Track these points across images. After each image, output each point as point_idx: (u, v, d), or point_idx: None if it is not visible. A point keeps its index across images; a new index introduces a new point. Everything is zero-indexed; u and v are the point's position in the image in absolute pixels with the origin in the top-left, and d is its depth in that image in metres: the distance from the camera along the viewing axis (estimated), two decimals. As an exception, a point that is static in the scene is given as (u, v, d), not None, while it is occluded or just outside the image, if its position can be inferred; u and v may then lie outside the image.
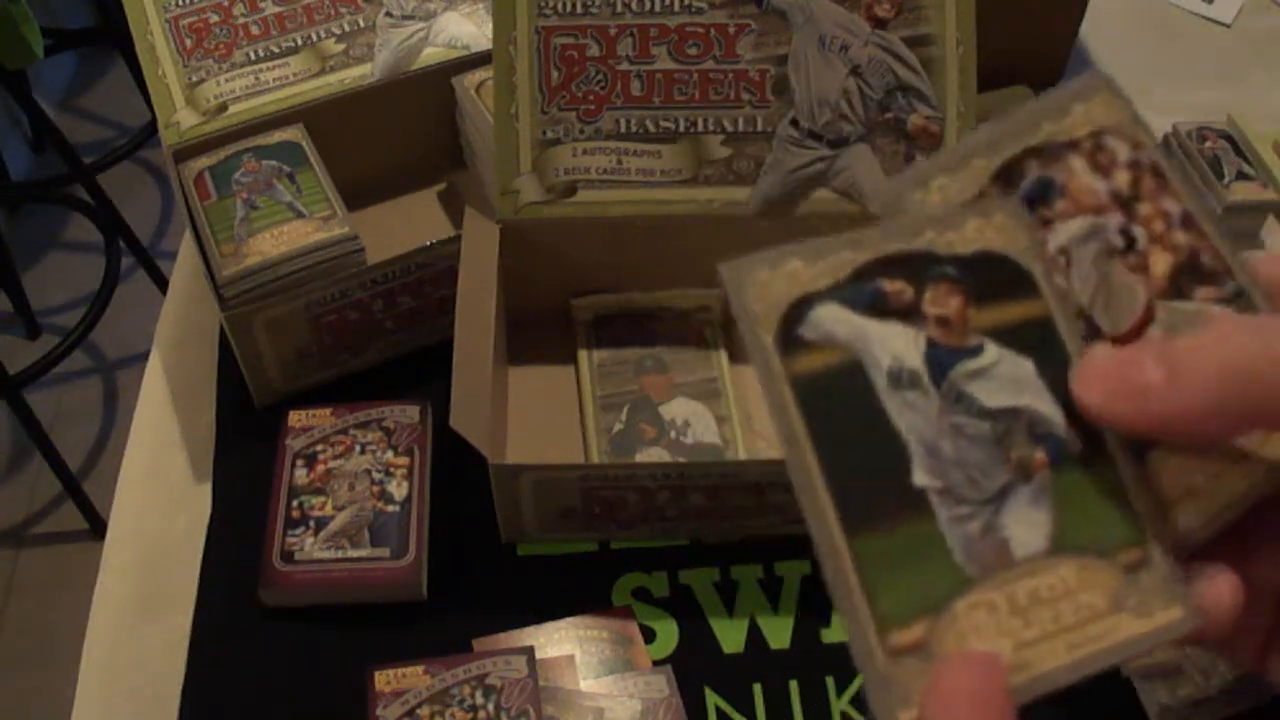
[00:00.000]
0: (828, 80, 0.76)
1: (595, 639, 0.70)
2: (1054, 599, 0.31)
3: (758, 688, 0.69)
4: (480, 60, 0.86)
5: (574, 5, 0.76)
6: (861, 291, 0.33)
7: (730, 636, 0.71)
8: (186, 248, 0.94)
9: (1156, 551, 0.31)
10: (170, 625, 0.73)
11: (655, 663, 0.70)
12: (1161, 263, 0.34)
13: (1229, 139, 0.94)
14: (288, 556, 0.72)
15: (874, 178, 0.77)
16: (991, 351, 0.33)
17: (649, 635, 0.71)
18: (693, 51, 0.76)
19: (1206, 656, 0.60)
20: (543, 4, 0.76)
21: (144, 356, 0.88)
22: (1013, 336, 0.33)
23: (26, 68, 1.66)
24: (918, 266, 0.33)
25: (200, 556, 0.75)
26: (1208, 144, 0.94)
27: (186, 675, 0.70)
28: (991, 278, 0.33)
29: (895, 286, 0.33)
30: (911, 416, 0.32)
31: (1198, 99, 1.01)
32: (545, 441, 0.78)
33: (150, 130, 2.05)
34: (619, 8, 0.76)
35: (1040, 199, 0.35)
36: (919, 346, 0.33)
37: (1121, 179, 0.35)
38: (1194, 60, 1.08)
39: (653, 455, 0.74)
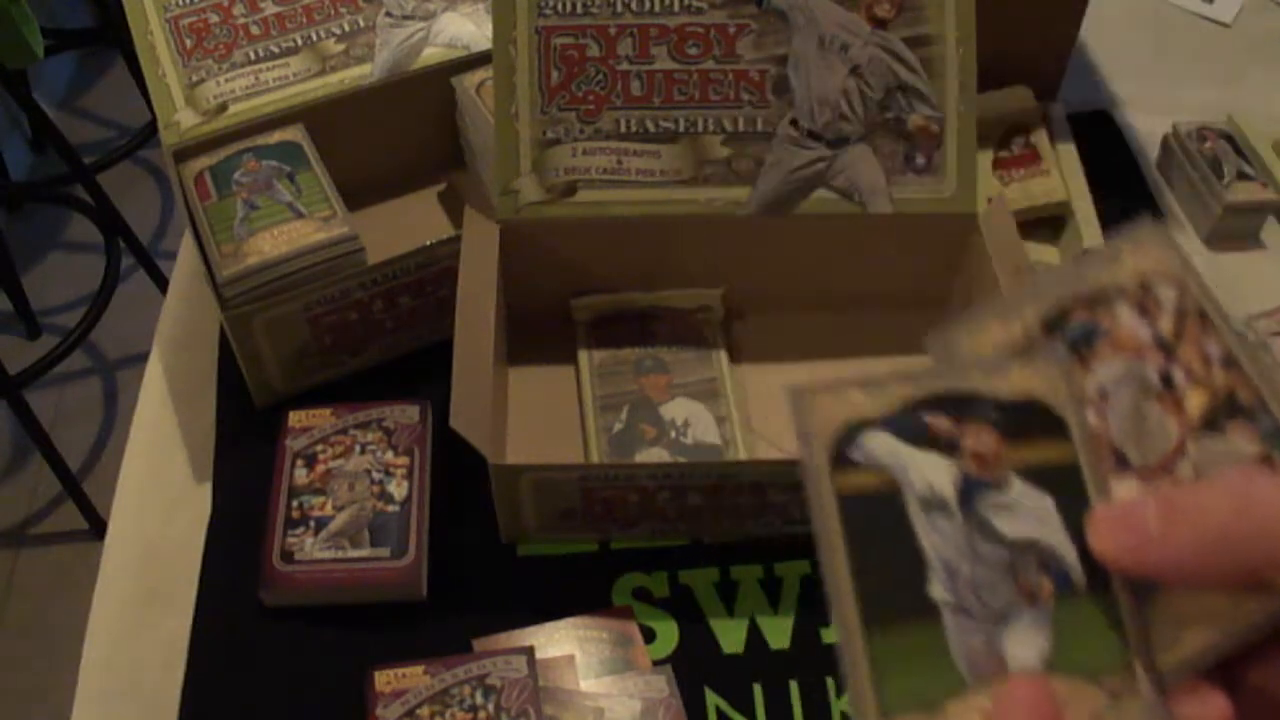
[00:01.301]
0: (828, 80, 0.76)
1: (595, 639, 0.70)
2: None
3: (758, 688, 0.69)
4: (480, 60, 0.86)
5: (574, 5, 0.76)
6: (908, 423, 0.37)
7: (730, 637, 0.71)
8: (186, 248, 0.94)
9: (1144, 681, 0.35)
10: (170, 625, 0.73)
11: (655, 663, 0.69)
12: (1197, 401, 0.37)
13: (1229, 139, 0.94)
14: (288, 556, 0.72)
15: (874, 178, 0.77)
16: (1017, 487, 0.37)
17: (649, 635, 0.71)
18: (693, 51, 0.76)
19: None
20: (543, 4, 0.76)
21: (144, 356, 0.88)
22: (1039, 476, 0.37)
23: (26, 68, 1.66)
24: (962, 406, 0.38)
25: (200, 556, 0.75)
26: (1208, 144, 0.94)
27: (186, 675, 0.70)
28: (1027, 421, 0.37)
29: (939, 422, 0.37)
30: (937, 537, 0.36)
31: (1198, 99, 1.01)
32: (545, 441, 0.78)
33: (150, 130, 2.05)
34: (619, 8, 0.76)
35: (1084, 342, 0.38)
36: (953, 477, 0.37)
37: (1165, 324, 0.38)
38: (1194, 60, 1.08)
39: (653, 455, 0.74)
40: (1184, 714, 0.34)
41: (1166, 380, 0.37)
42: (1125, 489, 0.36)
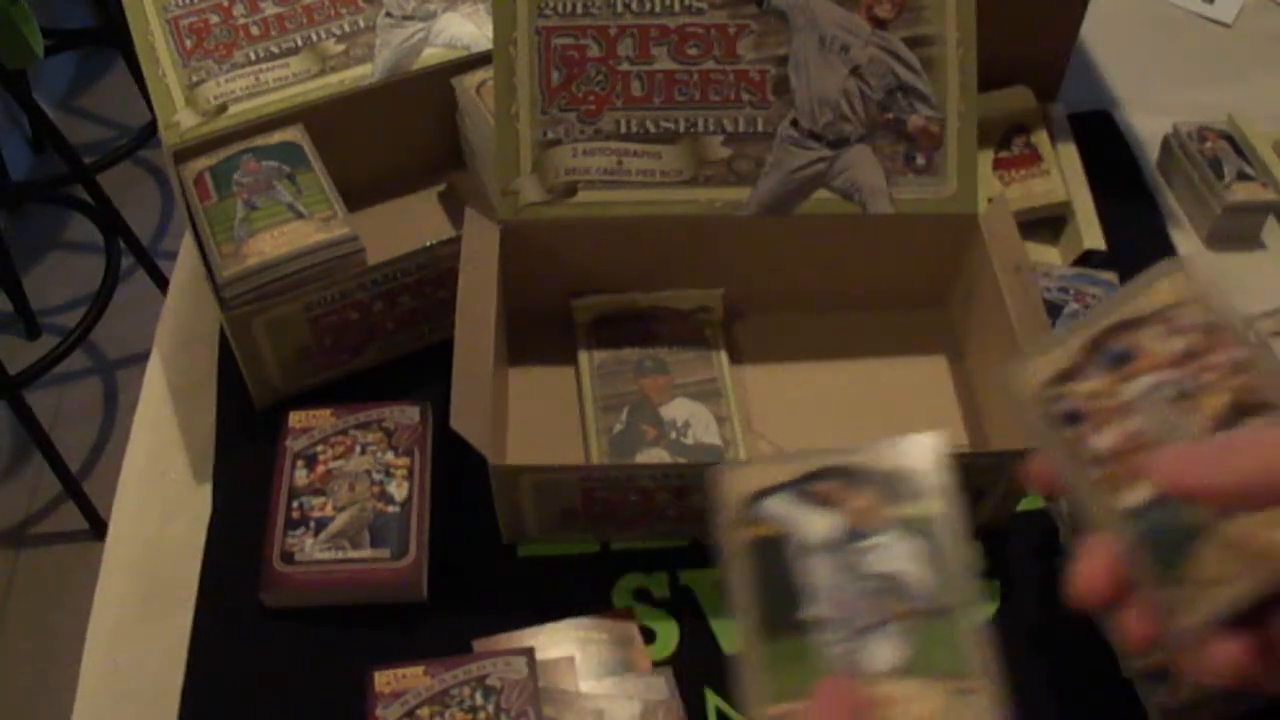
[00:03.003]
0: (828, 81, 0.76)
1: (595, 640, 0.70)
2: (890, 702, 0.44)
3: (758, 688, 0.69)
4: (480, 60, 0.86)
5: (574, 5, 0.76)
6: (800, 489, 0.50)
7: (731, 637, 0.71)
8: (186, 248, 0.94)
9: (986, 684, 0.43)
10: (170, 625, 0.73)
11: (656, 664, 0.69)
12: (1218, 402, 0.43)
13: (1229, 139, 0.94)
14: (288, 557, 0.71)
15: (874, 178, 0.77)
16: (888, 534, 0.48)
17: (649, 636, 0.71)
18: (693, 52, 0.76)
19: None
20: (543, 4, 0.76)
21: (144, 356, 0.88)
22: (909, 526, 0.48)
23: (26, 68, 1.66)
24: (846, 475, 0.50)
25: (200, 556, 0.75)
26: (1208, 144, 0.94)
27: (186, 675, 0.70)
28: (899, 486, 0.49)
29: (825, 487, 0.49)
30: (816, 571, 0.48)
31: (1198, 99, 1.01)
32: (545, 442, 0.78)
33: (150, 130, 2.05)
34: (619, 8, 0.76)
35: (1122, 359, 0.46)
36: (833, 527, 0.49)
37: (1190, 339, 0.45)
38: (1194, 60, 1.08)
39: (653, 456, 0.74)
40: (1203, 663, 0.40)
41: (1190, 387, 0.44)
42: None
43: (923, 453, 0.50)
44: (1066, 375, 0.46)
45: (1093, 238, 0.87)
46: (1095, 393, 0.45)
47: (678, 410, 0.77)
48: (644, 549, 0.75)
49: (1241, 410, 0.43)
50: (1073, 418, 0.45)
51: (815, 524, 0.49)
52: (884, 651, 0.45)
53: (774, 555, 0.48)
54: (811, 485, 0.49)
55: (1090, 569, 0.42)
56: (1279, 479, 0.38)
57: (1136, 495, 0.42)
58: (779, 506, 0.49)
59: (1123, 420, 0.44)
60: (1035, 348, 0.47)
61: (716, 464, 0.50)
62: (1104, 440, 0.44)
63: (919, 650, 0.45)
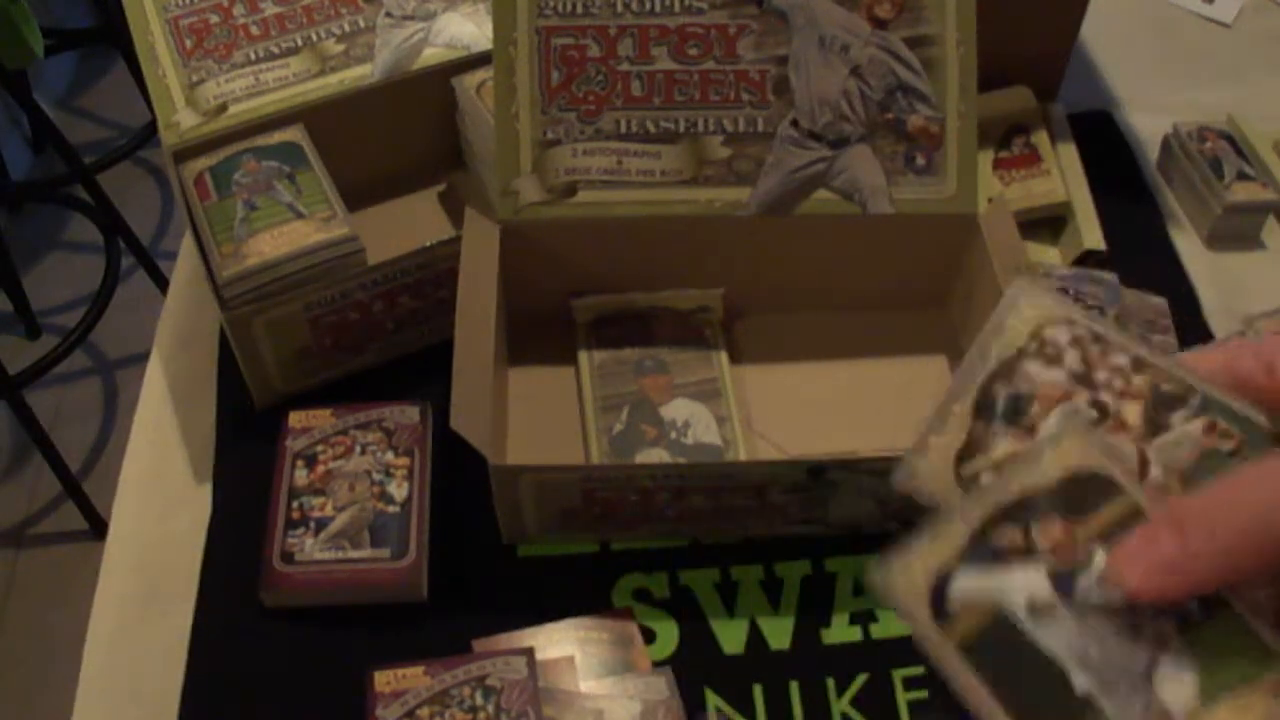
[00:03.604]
0: (828, 81, 0.76)
1: (595, 640, 0.70)
2: None
3: (758, 689, 0.69)
4: (480, 60, 0.86)
5: (574, 5, 0.76)
6: (981, 552, 0.39)
7: (730, 637, 0.71)
8: (186, 248, 0.94)
9: None
10: (170, 625, 0.73)
11: (655, 664, 0.69)
12: (1133, 411, 0.39)
13: (1229, 139, 0.94)
14: (288, 557, 0.72)
15: (874, 178, 0.77)
16: (1101, 555, 0.38)
17: (649, 636, 0.71)
18: (693, 52, 0.76)
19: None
20: (543, 4, 0.76)
21: (144, 356, 0.88)
22: (1116, 535, 0.38)
23: (26, 68, 1.66)
24: (1018, 512, 0.39)
25: (200, 556, 0.75)
26: (1208, 144, 0.94)
27: (186, 675, 0.70)
28: (1081, 494, 0.39)
29: (1007, 538, 0.39)
30: (1056, 638, 0.38)
31: (1198, 99, 1.01)
32: (545, 442, 0.78)
33: (150, 130, 2.05)
34: (619, 8, 0.76)
35: (1017, 412, 0.41)
36: (1042, 577, 0.39)
37: (1071, 358, 0.40)
38: (1194, 60, 1.08)
39: (653, 456, 0.74)
40: None
41: (1100, 408, 0.40)
42: None
43: (1084, 444, 0.40)
44: (969, 450, 0.41)
45: (1093, 238, 0.87)
46: (1012, 455, 0.41)
47: (678, 410, 0.77)
48: (644, 549, 0.75)
49: (1158, 412, 0.40)
50: None
51: (1024, 583, 0.39)
52: (1179, 685, 0.37)
53: (999, 645, 0.39)
54: (991, 541, 0.40)
55: None
56: (1262, 547, 0.34)
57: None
58: (973, 584, 0.40)
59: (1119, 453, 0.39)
60: (920, 435, 0.42)
61: (874, 561, 0.41)
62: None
63: (1208, 667, 0.37)
